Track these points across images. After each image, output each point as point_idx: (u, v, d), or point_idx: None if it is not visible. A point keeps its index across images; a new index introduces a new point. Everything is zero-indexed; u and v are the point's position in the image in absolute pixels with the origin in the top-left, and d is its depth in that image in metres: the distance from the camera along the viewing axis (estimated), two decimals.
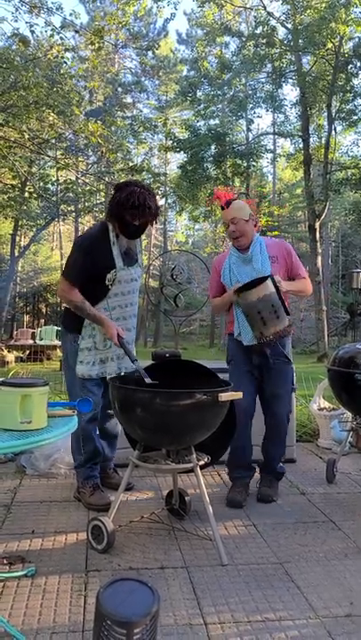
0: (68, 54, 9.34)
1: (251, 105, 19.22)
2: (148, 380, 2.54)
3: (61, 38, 9.11)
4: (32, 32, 9.34)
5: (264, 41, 17.18)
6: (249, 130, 22.07)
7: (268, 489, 3.05)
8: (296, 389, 3.13)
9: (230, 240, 3.05)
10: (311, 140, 19.47)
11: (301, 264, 3.11)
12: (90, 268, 2.76)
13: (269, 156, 23.03)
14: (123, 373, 2.82)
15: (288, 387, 3.09)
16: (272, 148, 25.40)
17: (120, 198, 2.70)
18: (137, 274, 2.94)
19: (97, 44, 9.03)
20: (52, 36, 9.11)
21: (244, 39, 18.45)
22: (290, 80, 18.92)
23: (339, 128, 19.57)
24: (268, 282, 2.74)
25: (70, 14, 9.03)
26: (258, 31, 17.56)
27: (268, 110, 20.33)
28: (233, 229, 2.96)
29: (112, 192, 2.89)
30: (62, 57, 9.34)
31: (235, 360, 3.06)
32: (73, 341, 2.87)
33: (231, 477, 3.11)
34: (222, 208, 2.99)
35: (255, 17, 18.39)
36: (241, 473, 3.08)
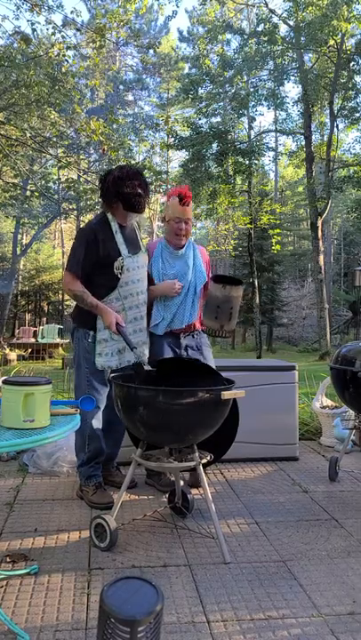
0: (70, 52, 9.33)
1: (252, 103, 19.17)
2: (146, 367, 2.57)
3: (63, 37, 9.09)
4: (33, 30, 9.33)
5: (266, 38, 17.12)
6: (251, 128, 22.03)
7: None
8: None
9: (172, 235, 3.05)
10: (313, 137, 19.46)
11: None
12: (95, 257, 2.77)
13: (271, 153, 23.02)
14: (143, 363, 2.79)
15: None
16: (274, 145, 25.39)
17: (114, 176, 2.77)
18: (143, 261, 2.95)
19: (98, 42, 9.02)
20: (53, 34, 9.10)
21: (245, 37, 18.39)
22: (292, 77, 18.87)
23: (341, 125, 19.54)
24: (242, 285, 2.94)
25: (72, 12, 9.02)
26: (260, 28, 17.51)
27: (269, 108, 20.30)
28: (182, 228, 3.03)
29: (100, 183, 2.93)
30: (64, 55, 9.33)
31: (158, 356, 3.04)
32: (83, 338, 2.87)
33: None
34: (181, 203, 2.99)
35: (257, 14, 18.35)
36: None
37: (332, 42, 16.51)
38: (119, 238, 2.83)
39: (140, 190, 2.77)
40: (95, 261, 2.78)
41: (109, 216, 2.85)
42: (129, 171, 2.79)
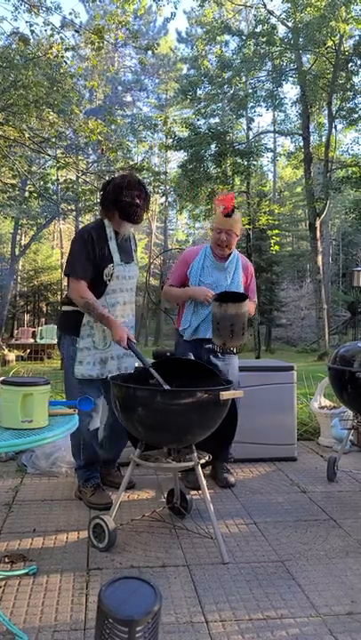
0: (68, 53, 9.33)
1: (251, 103, 19.20)
2: (166, 387, 2.45)
3: (61, 38, 9.10)
4: (32, 32, 9.33)
5: (264, 39, 17.14)
6: (249, 128, 22.06)
7: (228, 474, 3.23)
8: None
9: (214, 244, 3.08)
10: (312, 138, 19.49)
11: (255, 287, 3.32)
12: (92, 260, 2.74)
13: (270, 154, 23.04)
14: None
15: (237, 377, 3.20)
16: (272, 146, 25.41)
17: (115, 184, 2.75)
18: (134, 271, 2.94)
19: (97, 44, 9.02)
20: (51, 35, 9.10)
21: (244, 37, 18.41)
22: (290, 78, 18.90)
23: (339, 126, 19.62)
24: (247, 301, 2.84)
25: (70, 13, 9.02)
26: (258, 30, 17.53)
27: (268, 109, 20.33)
28: (224, 239, 3.01)
29: (101, 191, 2.91)
30: (62, 56, 9.33)
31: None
32: (70, 344, 2.81)
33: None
34: (225, 215, 2.98)
35: (255, 15, 18.38)
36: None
37: (330, 43, 16.54)
38: (113, 245, 2.80)
39: (138, 201, 2.74)
40: (90, 265, 2.76)
41: (106, 222, 2.83)
42: (130, 180, 2.76)
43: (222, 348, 2.91)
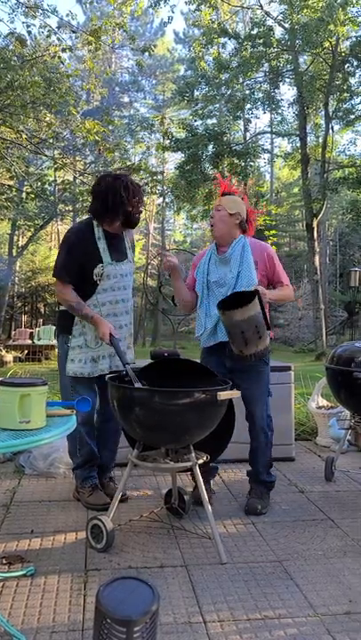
0: (65, 54, 9.32)
1: (248, 105, 19.22)
2: (137, 385, 2.48)
3: (58, 39, 9.09)
4: (29, 33, 9.33)
5: (261, 41, 17.16)
6: (246, 129, 22.07)
7: (255, 500, 2.87)
8: (272, 396, 2.99)
9: (213, 235, 2.96)
10: (308, 139, 19.51)
11: (283, 270, 2.97)
12: (78, 261, 2.75)
13: (267, 155, 23.07)
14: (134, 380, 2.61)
15: (264, 389, 2.92)
16: (269, 147, 25.46)
17: (116, 191, 2.71)
18: (128, 269, 2.90)
19: (94, 45, 9.01)
20: (48, 36, 9.09)
21: (241, 40, 18.42)
22: (287, 80, 18.93)
23: (336, 127, 19.62)
24: (255, 301, 2.54)
25: (67, 15, 9.03)
26: (254, 32, 17.54)
27: (265, 110, 20.33)
28: (211, 216, 2.92)
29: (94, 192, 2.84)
30: (59, 57, 9.32)
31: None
32: (65, 343, 2.84)
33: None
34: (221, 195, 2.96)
35: (251, 18, 18.40)
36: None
37: (327, 44, 16.56)
38: (102, 245, 2.79)
39: (140, 208, 2.78)
40: (78, 266, 2.76)
41: (95, 223, 2.82)
42: (133, 188, 2.74)
43: (241, 357, 2.66)
